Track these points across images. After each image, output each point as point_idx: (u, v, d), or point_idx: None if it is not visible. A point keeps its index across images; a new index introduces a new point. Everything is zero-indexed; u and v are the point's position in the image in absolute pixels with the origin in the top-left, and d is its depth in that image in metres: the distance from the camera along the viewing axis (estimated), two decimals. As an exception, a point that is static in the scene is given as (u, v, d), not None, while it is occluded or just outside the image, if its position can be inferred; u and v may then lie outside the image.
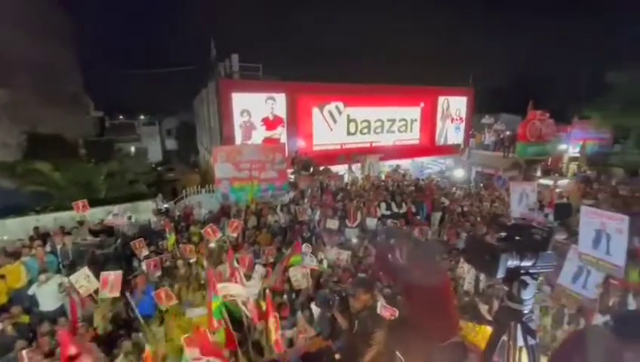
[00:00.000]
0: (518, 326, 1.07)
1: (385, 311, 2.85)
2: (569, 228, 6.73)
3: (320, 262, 5.48)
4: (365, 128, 15.90)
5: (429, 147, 17.91)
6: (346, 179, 12.90)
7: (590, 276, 4.88)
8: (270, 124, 13.47)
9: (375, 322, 2.59)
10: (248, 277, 4.97)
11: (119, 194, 10.52)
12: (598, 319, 4.70)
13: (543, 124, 15.12)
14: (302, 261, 4.98)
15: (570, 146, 18.03)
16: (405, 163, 17.13)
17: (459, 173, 16.77)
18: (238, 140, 12.87)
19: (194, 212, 8.71)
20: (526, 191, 9.05)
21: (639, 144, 17.38)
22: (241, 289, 3.89)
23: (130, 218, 7.86)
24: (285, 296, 4.92)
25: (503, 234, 1.12)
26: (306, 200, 9.04)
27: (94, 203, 8.08)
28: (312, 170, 11.74)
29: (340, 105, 14.94)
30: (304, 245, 5.52)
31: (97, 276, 4.77)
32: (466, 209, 10.28)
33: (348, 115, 15.28)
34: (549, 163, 17.04)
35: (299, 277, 4.88)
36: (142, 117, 34.49)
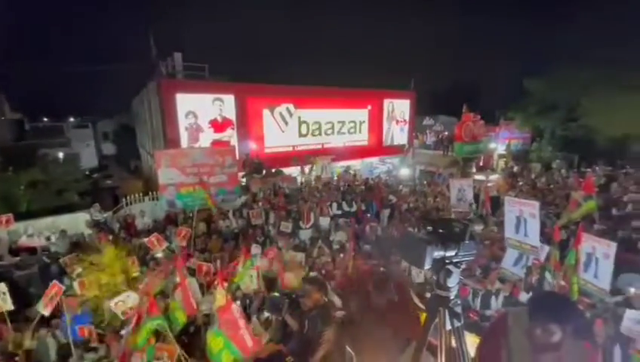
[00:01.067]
0: (446, 312, 1.18)
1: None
2: (485, 219, 7.55)
3: (271, 263, 5.43)
4: (316, 130, 16.14)
5: (378, 148, 18.76)
6: (299, 181, 12.98)
7: (529, 259, 5.36)
8: (219, 126, 13.02)
9: (325, 320, 2.65)
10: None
11: (44, 205, 9.35)
12: (524, 297, 5.36)
13: (475, 125, 16.73)
14: (252, 264, 4.90)
15: (499, 145, 20.22)
16: (356, 163, 17.75)
17: (405, 172, 17.81)
18: (184, 143, 12.23)
19: (136, 221, 8.08)
20: (463, 186, 9.99)
21: (552, 142, 20.14)
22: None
23: (48, 238, 6.94)
24: (239, 302, 4.80)
25: (430, 228, 1.23)
26: (259, 204, 8.91)
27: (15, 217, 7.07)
28: (264, 172, 11.61)
29: (291, 106, 14.98)
30: (253, 246, 5.45)
31: (16, 301, 4.14)
32: (412, 205, 10.95)
33: (299, 117, 15.38)
34: (481, 160, 18.90)
35: (246, 280, 4.79)
36: (72, 119, 30.97)
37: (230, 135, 13.28)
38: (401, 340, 2.29)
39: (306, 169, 13.72)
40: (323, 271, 5.70)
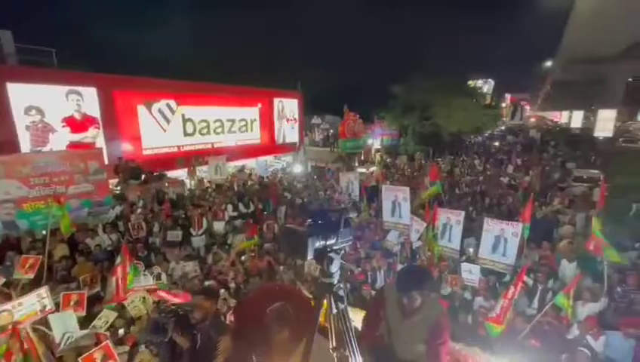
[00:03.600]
0: (331, 297, 1.30)
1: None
2: (358, 207, 8.70)
3: (158, 277, 4.87)
4: (204, 128, 15.11)
5: (271, 146, 18.88)
6: (188, 184, 11.94)
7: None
8: (77, 125, 10.73)
9: (219, 330, 2.54)
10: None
11: None
12: (399, 268, 6.35)
13: (355, 123, 18.66)
14: (133, 284, 4.30)
15: (375, 141, 23.15)
16: (251, 162, 17.46)
17: (298, 168, 18.50)
18: (26, 147, 9.65)
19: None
20: (351, 179, 11.07)
21: (414, 138, 24.28)
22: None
23: None
24: (122, 331, 4.14)
25: (309, 220, 1.31)
26: (139, 213, 7.78)
27: None
28: (143, 177, 10.20)
29: (172, 103, 13.57)
30: (135, 262, 4.79)
31: None
32: (305, 200, 11.50)
33: (183, 115, 14.08)
34: (362, 155, 21.27)
35: (137, 303, 4.21)
36: None
37: (94, 135, 11.12)
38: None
39: (197, 171, 12.71)
40: (220, 277, 5.46)
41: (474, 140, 31.43)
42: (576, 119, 43.24)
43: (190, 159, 12.96)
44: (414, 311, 1.92)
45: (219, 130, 15.80)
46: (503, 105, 59.02)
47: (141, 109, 12.62)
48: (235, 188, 11.21)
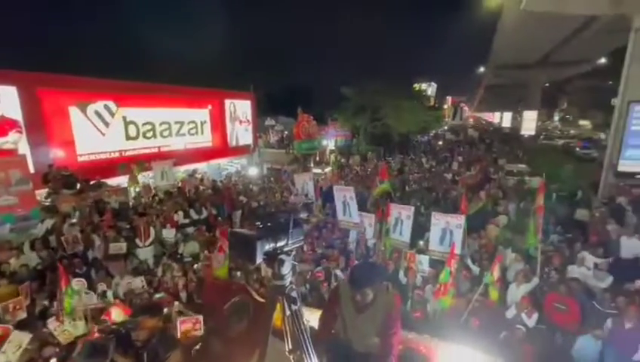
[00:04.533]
0: (284, 299, 1.30)
1: (184, 323, 2.75)
2: (309, 207, 8.89)
3: (103, 295, 4.47)
4: (149, 131, 14.13)
5: (223, 148, 18.25)
6: (132, 192, 11.07)
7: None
8: (-7, 129, 9.36)
9: (168, 346, 2.41)
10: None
11: None
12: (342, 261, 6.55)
13: (310, 125, 18.80)
14: (72, 304, 3.89)
15: (329, 142, 23.55)
16: (202, 166, 16.71)
17: (253, 171, 18.15)
18: None
19: None
20: (306, 180, 11.13)
21: (366, 138, 25.15)
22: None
23: None
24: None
25: (259, 223, 1.30)
26: (72, 225, 7.02)
27: None
28: (78, 186, 9.24)
29: (111, 104, 12.49)
30: (74, 281, 4.35)
31: None
32: (262, 203, 11.33)
33: (124, 117, 13.02)
34: (317, 156, 21.51)
35: (67, 326, 3.79)
36: None
37: (15, 141, 9.76)
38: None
39: (141, 177, 11.81)
40: (170, 290, 5.17)
41: (420, 140, 33.52)
42: (506, 119, 48.16)
43: (134, 165, 12.00)
44: (367, 305, 2.01)
45: (166, 133, 14.89)
46: (445, 106, 63.87)
47: (74, 111, 11.41)
48: (187, 194, 10.65)
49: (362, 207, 7.78)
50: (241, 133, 19.44)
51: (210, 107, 17.12)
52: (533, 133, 35.47)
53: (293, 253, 1.31)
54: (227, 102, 18.16)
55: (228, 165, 19.22)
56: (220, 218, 9.43)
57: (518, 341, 4.06)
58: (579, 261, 5.77)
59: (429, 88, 64.48)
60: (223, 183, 13.71)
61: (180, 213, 8.63)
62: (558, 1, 11.54)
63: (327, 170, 19.03)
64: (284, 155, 20.04)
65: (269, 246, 1.21)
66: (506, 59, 30.03)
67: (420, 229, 7.44)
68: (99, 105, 12.10)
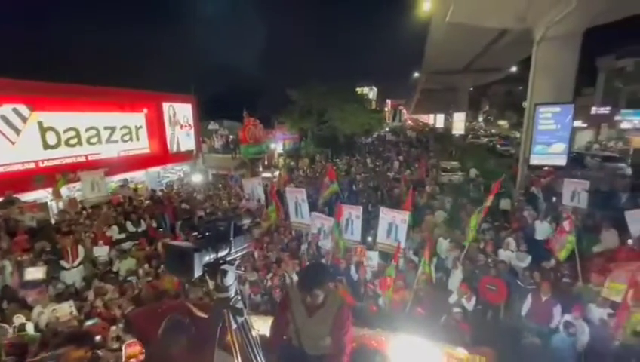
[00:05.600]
0: (229, 311, 1.23)
1: (130, 346, 2.51)
2: (252, 213, 8.82)
3: (20, 329, 3.85)
4: (73, 139, 12.56)
5: (163, 155, 17.00)
6: (54, 207, 9.77)
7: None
8: None
9: None
10: None
11: None
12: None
13: (256, 128, 18.46)
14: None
15: (278, 145, 23.36)
16: (140, 175, 15.37)
17: (197, 178, 17.21)
18: None
19: None
20: (254, 184, 10.89)
21: (314, 141, 25.47)
22: None
23: None
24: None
25: (196, 233, 1.22)
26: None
27: None
28: (-19, 205, 7.88)
29: (23, 108, 10.85)
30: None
31: None
32: (208, 211, 10.79)
33: (40, 122, 11.40)
34: (266, 159, 21.19)
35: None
36: None
37: None
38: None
39: (65, 190, 10.44)
40: (105, 314, 4.66)
41: (365, 141, 35.00)
42: (439, 121, 52.52)
43: (54, 176, 10.57)
44: (318, 307, 2.02)
45: (94, 139, 13.38)
46: (386, 109, 67.67)
47: (-29, 117, 9.70)
48: (123, 206, 9.71)
49: (314, 208, 7.86)
50: (183, 138, 18.31)
51: (145, 111, 15.84)
52: (462, 132, 39.24)
53: (237, 261, 1.26)
54: (165, 105, 16.97)
55: (169, 173, 17.95)
56: (161, 229, 8.79)
57: (456, 322, 4.44)
58: (505, 245, 6.52)
59: (371, 92, 67.81)
60: (164, 192, 12.78)
61: (115, 227, 7.83)
62: (475, 15, 12.98)
63: (277, 173, 18.85)
64: (230, 160, 19.34)
65: (209, 258, 1.13)
66: (437, 66, 32.79)
67: (368, 226, 7.77)
68: (6, 110, 10.44)
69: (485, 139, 38.52)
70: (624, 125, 26.10)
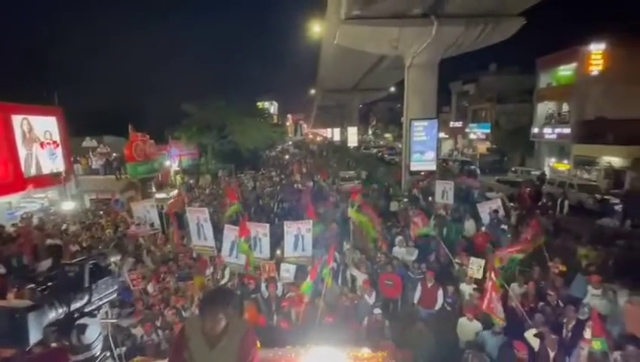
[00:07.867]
0: None
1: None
2: (122, 247, 8.04)
3: None
4: None
5: (15, 181, 13.46)
6: None
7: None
8: None
9: None
10: None
11: None
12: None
13: (145, 144, 16.45)
14: None
15: (173, 162, 21.27)
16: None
17: (69, 206, 14.20)
18: None
19: None
20: (146, 207, 9.61)
21: (215, 156, 24.16)
22: None
23: None
24: None
25: (33, 285, 0.99)
26: None
27: None
28: None
29: None
30: None
31: None
32: (86, 243, 9.03)
33: None
34: (159, 178, 19.02)
35: None
36: None
37: None
38: None
39: None
40: None
41: (269, 155, 35.05)
42: (336, 134, 56.69)
43: None
44: (220, 335, 1.88)
45: None
46: (288, 123, 69.62)
47: None
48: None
49: (218, 228, 7.35)
50: (44, 158, 14.92)
51: (-17, 126, 12.37)
52: (356, 144, 43.28)
53: (103, 310, 1.03)
54: (16, 118, 13.58)
55: (26, 202, 14.27)
56: (16, 273, 6.90)
57: (377, 322, 4.75)
58: (398, 242, 7.37)
59: (272, 106, 68.77)
60: (20, 227, 10.17)
61: None
62: (357, 41, 14.72)
63: (173, 193, 17.11)
64: (114, 182, 16.61)
65: (55, 314, 0.90)
66: (330, 84, 35.49)
67: (277, 240, 7.70)
68: None
69: (375, 150, 43.41)
70: (472, 136, 33.20)
